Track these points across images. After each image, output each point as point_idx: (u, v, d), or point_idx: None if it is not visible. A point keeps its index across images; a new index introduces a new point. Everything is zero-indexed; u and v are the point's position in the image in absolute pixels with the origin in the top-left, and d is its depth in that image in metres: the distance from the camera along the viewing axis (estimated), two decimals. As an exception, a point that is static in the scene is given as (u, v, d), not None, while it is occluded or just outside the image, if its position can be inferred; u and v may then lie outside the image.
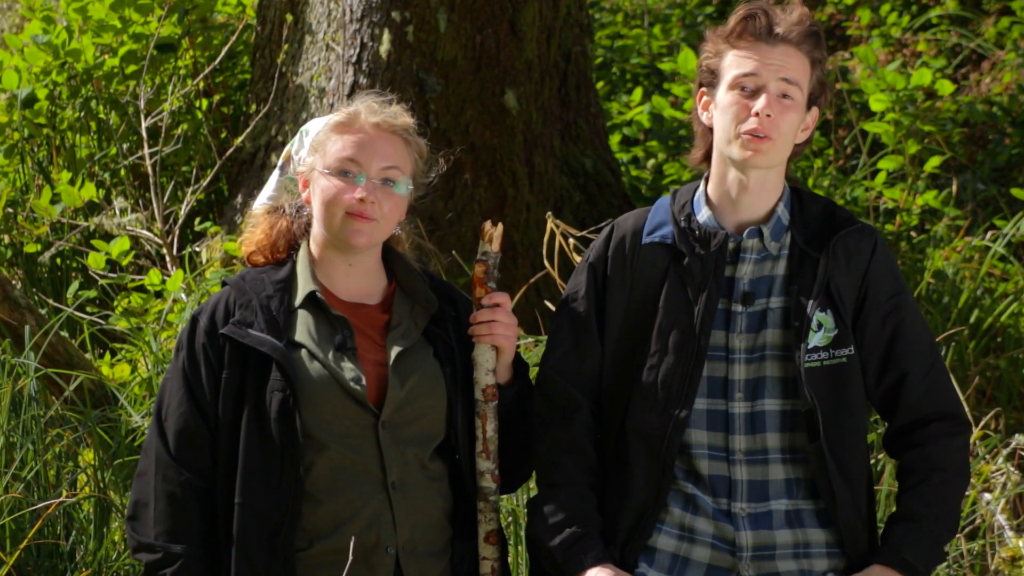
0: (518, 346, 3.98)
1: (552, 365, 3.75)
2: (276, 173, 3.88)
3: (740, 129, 3.61)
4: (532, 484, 5.46)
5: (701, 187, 3.73)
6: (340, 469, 3.63)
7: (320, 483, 3.63)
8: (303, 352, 3.65)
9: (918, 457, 3.67)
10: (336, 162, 3.68)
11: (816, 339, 3.62)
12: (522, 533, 5.30)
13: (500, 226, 3.71)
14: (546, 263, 6.53)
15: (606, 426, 3.73)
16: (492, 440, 3.71)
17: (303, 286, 3.71)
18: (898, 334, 3.66)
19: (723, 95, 3.64)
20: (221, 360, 3.65)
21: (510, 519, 5.36)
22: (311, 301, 3.70)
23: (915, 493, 3.65)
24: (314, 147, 3.73)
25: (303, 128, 3.82)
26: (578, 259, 6.56)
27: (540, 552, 3.73)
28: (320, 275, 3.73)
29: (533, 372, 3.88)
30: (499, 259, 3.71)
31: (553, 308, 6.58)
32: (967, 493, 5.80)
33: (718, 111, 3.66)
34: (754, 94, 3.61)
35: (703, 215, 3.69)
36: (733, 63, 3.63)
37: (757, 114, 3.60)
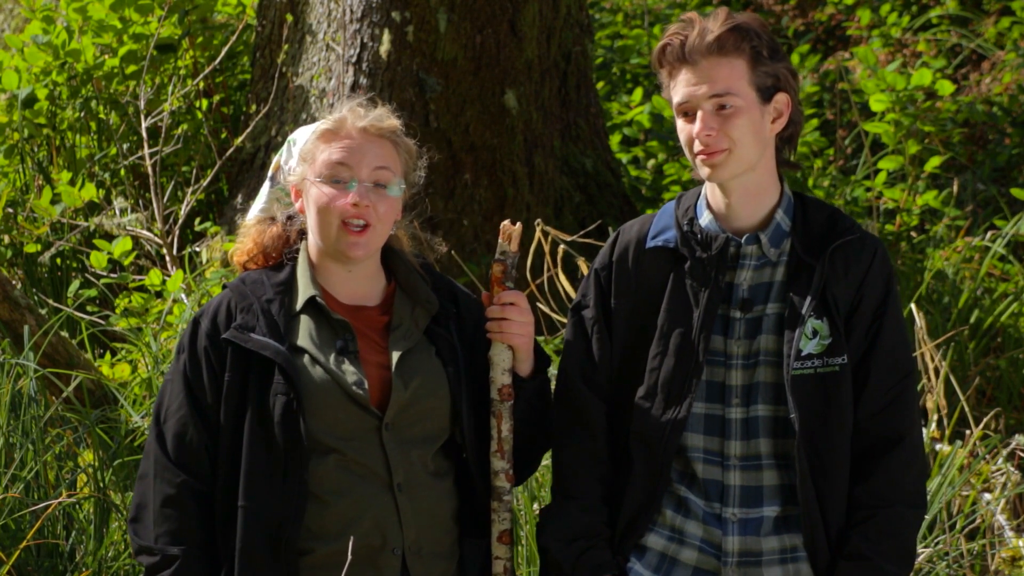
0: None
1: (571, 371, 3.76)
2: (266, 184, 3.89)
3: (694, 152, 3.64)
4: (534, 484, 5.48)
5: (704, 191, 3.73)
6: (345, 471, 3.63)
7: (326, 485, 3.63)
8: (305, 357, 3.65)
9: (865, 491, 3.62)
10: (326, 169, 3.68)
11: (811, 346, 3.61)
12: (522, 533, 5.31)
13: (519, 225, 3.71)
14: (528, 277, 6.52)
15: (615, 428, 3.74)
16: (507, 440, 3.71)
17: (303, 290, 3.71)
18: (873, 344, 3.64)
19: (677, 121, 3.66)
20: (223, 363, 3.66)
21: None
22: (312, 305, 3.70)
23: (861, 531, 3.61)
24: (303, 157, 3.74)
25: (290, 138, 3.82)
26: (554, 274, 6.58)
27: (549, 562, 3.75)
28: (320, 279, 3.73)
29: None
30: (517, 259, 3.71)
31: (549, 311, 6.62)
32: (967, 494, 5.80)
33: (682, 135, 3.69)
34: (693, 117, 3.62)
35: (705, 219, 3.69)
36: (672, 91, 3.66)
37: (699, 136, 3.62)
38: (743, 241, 3.66)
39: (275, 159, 3.87)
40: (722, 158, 3.61)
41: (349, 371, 3.64)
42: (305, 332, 3.67)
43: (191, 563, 3.62)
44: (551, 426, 3.81)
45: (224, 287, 3.77)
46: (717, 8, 3.66)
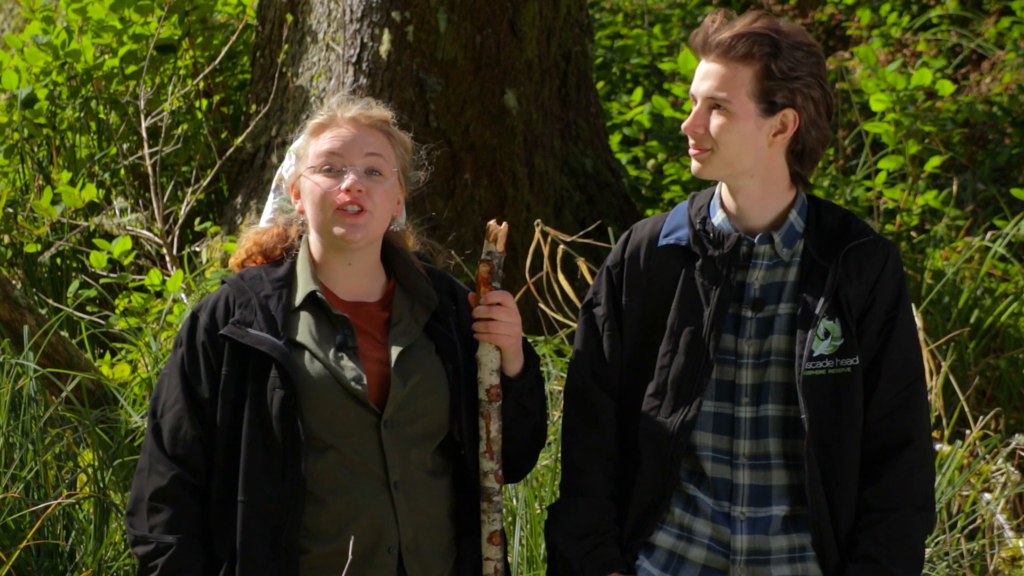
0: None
1: (582, 369, 3.76)
2: (271, 196, 3.90)
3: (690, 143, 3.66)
4: (535, 484, 5.48)
5: (717, 191, 3.73)
6: (342, 468, 3.63)
7: (323, 483, 3.62)
8: (304, 353, 3.65)
9: (875, 494, 3.63)
10: (318, 159, 3.68)
11: (823, 347, 3.61)
12: (521, 533, 5.30)
13: (505, 225, 3.70)
14: (527, 276, 6.52)
15: (625, 425, 3.75)
16: (496, 440, 3.71)
17: (303, 286, 3.70)
18: (884, 347, 3.64)
19: None
20: (221, 358, 3.65)
21: (510, 518, 5.36)
22: (311, 301, 3.70)
23: (871, 533, 3.62)
24: (297, 154, 3.75)
25: (290, 149, 3.82)
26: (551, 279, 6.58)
27: (558, 558, 3.76)
28: (320, 275, 3.72)
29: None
30: (503, 259, 3.70)
31: (549, 311, 6.62)
32: (967, 494, 5.81)
33: None
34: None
35: (718, 218, 3.69)
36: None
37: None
38: (756, 241, 3.66)
39: (279, 171, 3.88)
40: (704, 156, 3.62)
41: (348, 367, 3.64)
42: (304, 327, 3.67)
43: (186, 551, 3.61)
44: (545, 424, 3.81)
45: (222, 282, 3.77)
46: (751, 11, 3.65)
